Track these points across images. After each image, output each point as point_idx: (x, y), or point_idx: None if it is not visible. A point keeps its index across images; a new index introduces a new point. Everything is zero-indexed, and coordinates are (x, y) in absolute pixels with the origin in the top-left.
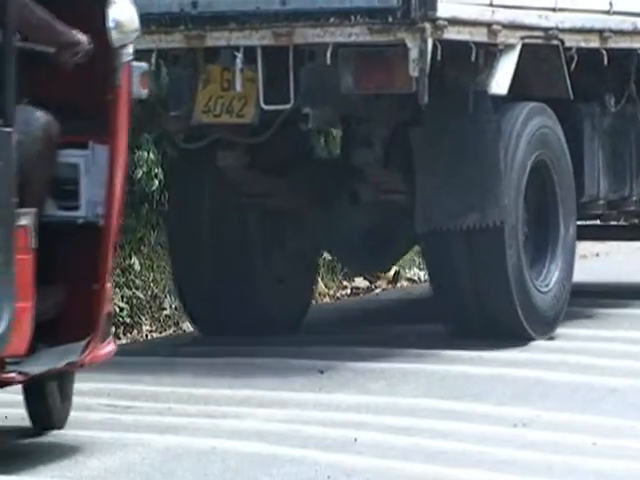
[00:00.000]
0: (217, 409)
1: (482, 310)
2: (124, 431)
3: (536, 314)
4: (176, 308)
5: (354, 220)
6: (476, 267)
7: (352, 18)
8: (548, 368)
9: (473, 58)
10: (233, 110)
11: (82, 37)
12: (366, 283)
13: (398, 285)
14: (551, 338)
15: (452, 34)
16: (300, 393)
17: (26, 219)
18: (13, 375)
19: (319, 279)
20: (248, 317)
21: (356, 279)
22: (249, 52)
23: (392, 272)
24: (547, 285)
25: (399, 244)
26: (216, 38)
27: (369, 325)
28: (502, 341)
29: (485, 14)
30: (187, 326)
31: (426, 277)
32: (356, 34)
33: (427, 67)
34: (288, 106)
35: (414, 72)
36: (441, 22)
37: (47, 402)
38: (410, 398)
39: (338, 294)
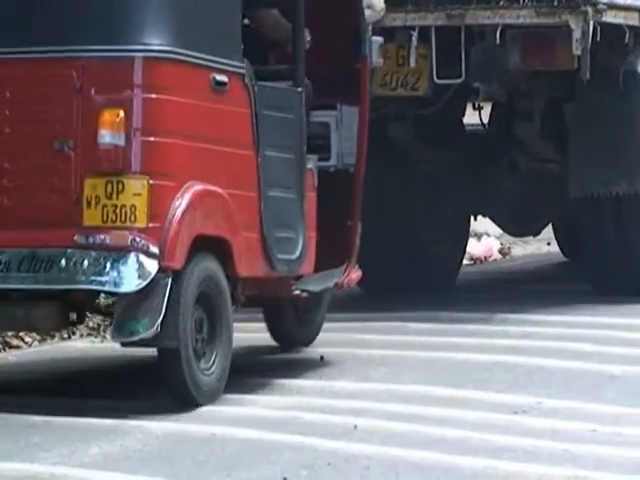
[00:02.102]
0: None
1: (627, 269)
2: (124, 418)
3: None
4: None
5: (512, 187)
6: (623, 230)
7: (520, 1)
8: (548, 355)
9: (627, 40)
10: (407, 84)
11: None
12: None
13: None
14: None
15: (609, 17)
16: (300, 380)
17: (311, 163)
18: (298, 292)
19: None
20: (409, 275)
21: None
22: (423, 32)
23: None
24: None
25: (550, 209)
26: (392, 19)
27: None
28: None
29: (638, 1)
30: None
31: None
32: (524, 16)
33: (589, 46)
34: (459, 80)
35: (577, 51)
36: (601, 6)
37: (283, 325)
38: (411, 385)
39: None
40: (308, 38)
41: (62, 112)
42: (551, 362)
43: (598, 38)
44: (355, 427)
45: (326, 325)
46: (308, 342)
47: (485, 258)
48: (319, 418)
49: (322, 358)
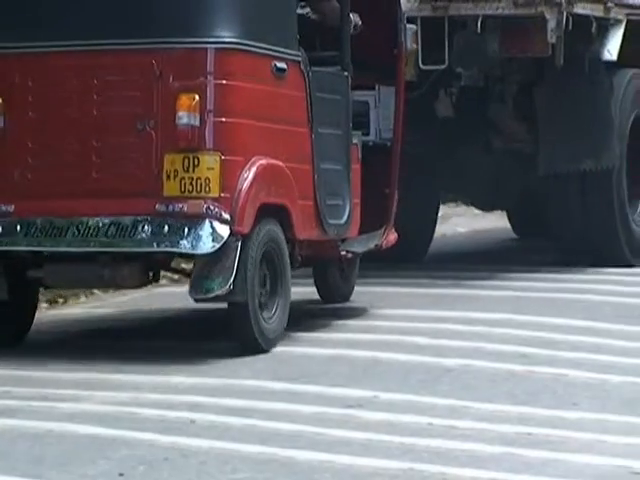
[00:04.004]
0: (54, 392)
1: (590, 239)
2: None
3: (634, 242)
4: None
5: (485, 165)
6: (587, 203)
7: None
8: (385, 349)
9: (592, 29)
10: None
11: (355, 19)
12: None
13: None
14: None
15: (579, 9)
16: (137, 375)
17: (356, 138)
18: (344, 253)
19: None
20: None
21: None
22: (409, 22)
23: None
24: None
25: (520, 186)
26: None
27: None
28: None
29: None
30: None
31: None
32: (502, 7)
33: (562, 35)
34: (443, 66)
35: (552, 39)
36: None
37: (329, 281)
38: (247, 380)
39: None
40: (359, 23)
41: (144, 96)
42: (387, 356)
43: (570, 28)
44: (192, 422)
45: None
46: (347, 297)
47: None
48: (155, 413)
49: (161, 354)
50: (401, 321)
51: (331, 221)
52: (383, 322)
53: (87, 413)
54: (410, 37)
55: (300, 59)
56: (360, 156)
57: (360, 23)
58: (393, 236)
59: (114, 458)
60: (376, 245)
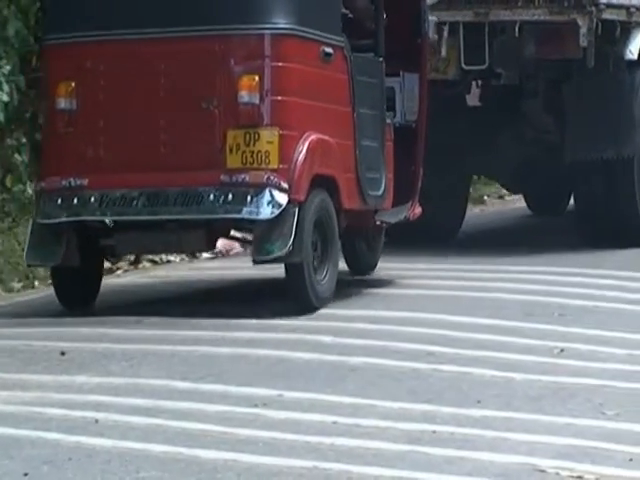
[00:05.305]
0: None
1: (612, 221)
2: None
3: None
4: None
5: (515, 153)
6: (610, 189)
7: (536, 2)
8: (290, 348)
9: (617, 32)
10: (438, 69)
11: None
12: (107, 264)
13: (140, 266)
14: None
15: (607, 15)
16: (41, 375)
17: (389, 118)
18: (379, 223)
19: None
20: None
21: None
22: (452, 27)
23: (133, 256)
24: None
25: (545, 171)
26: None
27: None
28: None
29: (625, 0)
30: None
31: (176, 259)
32: (538, 14)
33: (593, 39)
34: (484, 67)
35: (583, 43)
36: (602, 6)
37: (357, 253)
38: (151, 379)
39: None
40: (384, 17)
41: (208, 78)
42: (292, 354)
43: (599, 32)
44: (96, 421)
45: (63, 320)
46: (373, 267)
47: (227, 252)
48: (60, 413)
49: (63, 353)
50: (306, 320)
51: (370, 193)
52: (288, 321)
53: None
54: (432, 29)
55: (344, 45)
56: (392, 135)
57: (385, 16)
58: (418, 209)
59: (18, 458)
60: (405, 217)
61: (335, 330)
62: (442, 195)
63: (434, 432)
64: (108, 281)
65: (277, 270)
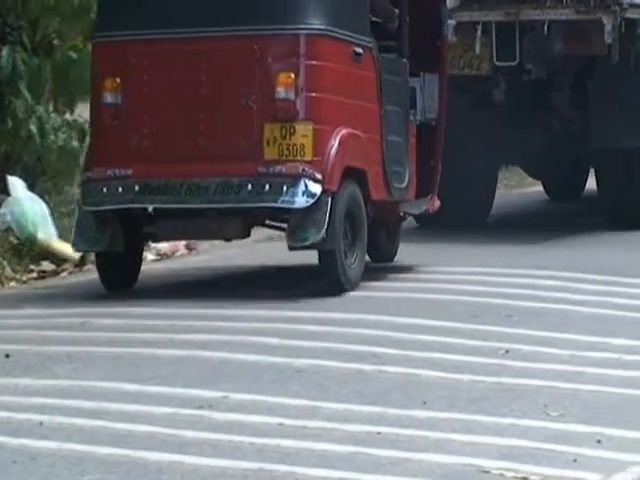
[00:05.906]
0: None
1: (632, 204)
2: None
3: None
4: None
5: (542, 143)
6: (633, 176)
7: (564, 2)
8: (235, 350)
9: (638, 30)
10: (472, 65)
11: (396, 12)
12: (53, 266)
13: (85, 268)
14: None
15: (629, 14)
16: None
17: (412, 116)
18: (402, 214)
19: (5, 264)
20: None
21: (42, 263)
22: (485, 25)
23: (79, 256)
24: None
25: (568, 159)
26: (460, 16)
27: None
28: None
29: None
30: None
31: None
32: (566, 14)
33: (617, 36)
34: (514, 63)
35: (608, 40)
36: (625, 5)
37: (378, 243)
38: (96, 381)
39: (24, 278)
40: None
41: (246, 76)
42: (237, 356)
43: (623, 30)
44: (40, 424)
45: (11, 322)
46: (392, 257)
47: (172, 253)
48: (4, 416)
49: (7, 356)
50: (252, 322)
51: (395, 185)
52: (234, 323)
53: None
54: (451, 31)
55: (372, 45)
56: (415, 131)
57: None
58: (437, 203)
59: None
60: (425, 209)
61: (281, 332)
62: (473, 181)
63: (379, 434)
64: (52, 282)
65: (231, 270)
